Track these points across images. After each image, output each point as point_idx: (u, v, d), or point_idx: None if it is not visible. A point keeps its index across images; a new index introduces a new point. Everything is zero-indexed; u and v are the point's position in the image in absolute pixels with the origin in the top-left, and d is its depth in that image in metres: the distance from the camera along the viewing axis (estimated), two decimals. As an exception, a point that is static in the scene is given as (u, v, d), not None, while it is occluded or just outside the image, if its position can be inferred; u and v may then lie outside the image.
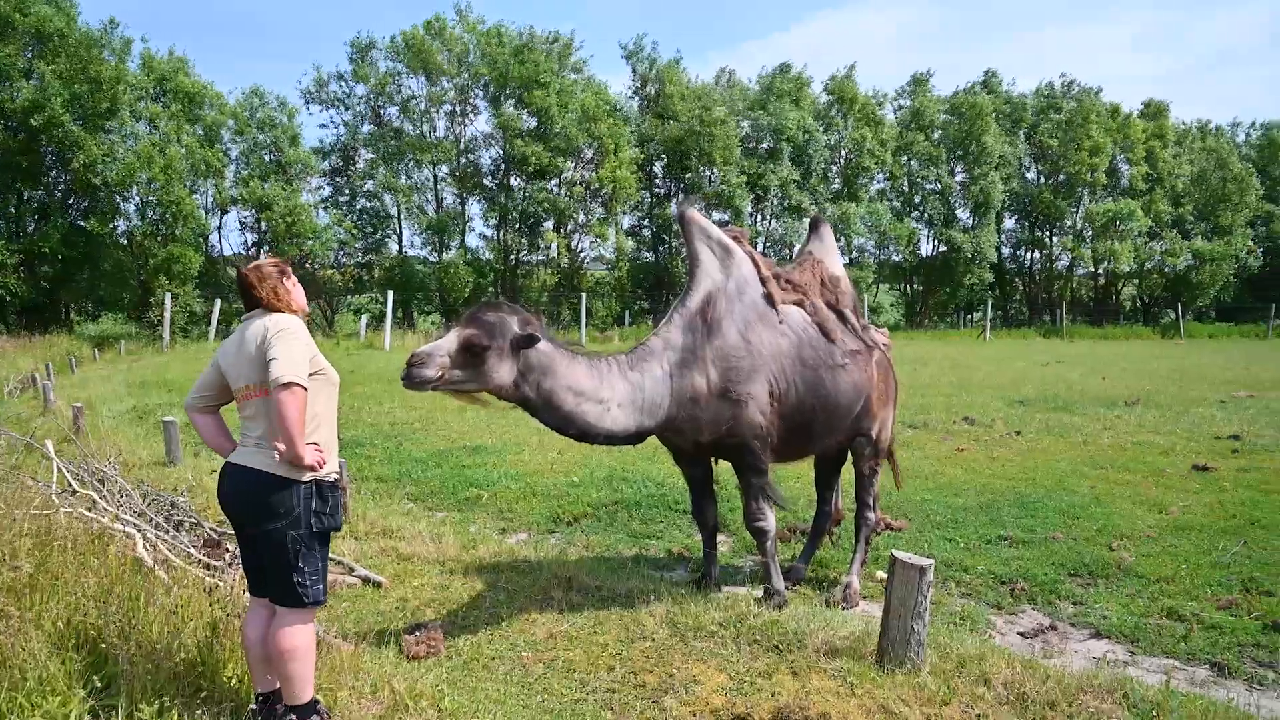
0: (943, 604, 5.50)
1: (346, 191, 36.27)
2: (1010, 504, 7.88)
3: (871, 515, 5.81)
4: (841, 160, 42.10)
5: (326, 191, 36.50)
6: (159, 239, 30.39)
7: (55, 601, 4.08)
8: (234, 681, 3.83)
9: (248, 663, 3.57)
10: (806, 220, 40.33)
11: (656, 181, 40.34)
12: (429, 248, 37.19)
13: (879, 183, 43.28)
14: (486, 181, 36.78)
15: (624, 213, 38.86)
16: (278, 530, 3.30)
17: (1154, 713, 3.70)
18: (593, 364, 4.67)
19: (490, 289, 36.63)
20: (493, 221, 36.80)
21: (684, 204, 5.28)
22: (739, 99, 38.69)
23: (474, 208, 37.79)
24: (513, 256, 36.74)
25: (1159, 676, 4.42)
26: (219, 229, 34.70)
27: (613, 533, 7.00)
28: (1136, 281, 47.73)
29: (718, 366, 4.86)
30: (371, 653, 4.35)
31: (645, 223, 40.47)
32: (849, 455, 5.93)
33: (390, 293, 29.32)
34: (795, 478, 8.30)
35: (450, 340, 4.26)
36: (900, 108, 44.18)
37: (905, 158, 42.84)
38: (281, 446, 3.27)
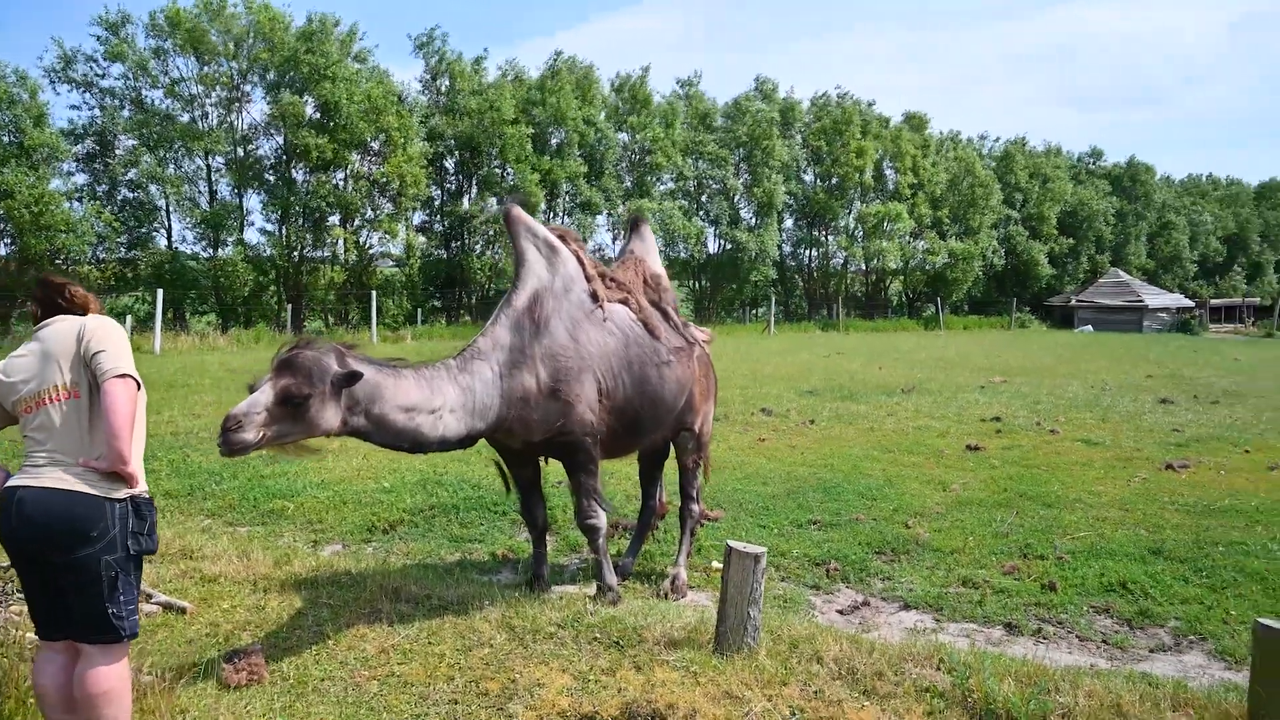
0: (766, 588, 5.73)
1: (105, 180, 32.97)
2: (814, 490, 8.33)
3: (695, 507, 5.98)
4: (631, 159, 42.87)
5: (81, 180, 33.04)
6: None
7: None
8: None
9: (45, 716, 3.16)
10: (600, 215, 40.94)
11: (448, 177, 39.47)
12: (203, 243, 34.50)
13: (667, 183, 44.43)
14: (267, 175, 34.59)
15: (414, 209, 37.73)
16: (90, 556, 2.94)
17: (968, 674, 4.02)
18: (419, 376, 4.50)
19: (272, 286, 34.55)
20: (274, 216, 34.66)
21: (508, 201, 5.20)
22: (523, 95, 38.49)
23: (253, 201, 35.50)
24: (296, 253, 34.76)
25: (964, 640, 4.81)
26: (-55, 219, 30.70)
27: (432, 539, 6.80)
28: (902, 278, 51.67)
29: (547, 366, 4.81)
30: (187, 687, 3.99)
31: (437, 219, 39.51)
32: (670, 450, 6.05)
33: (160, 291, 26.95)
34: (610, 474, 8.38)
35: (265, 394, 3.88)
36: (682, 112, 45.53)
37: (693, 158, 44.21)
38: (97, 461, 2.96)
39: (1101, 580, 5.84)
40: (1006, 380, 19.09)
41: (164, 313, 26.84)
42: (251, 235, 35.32)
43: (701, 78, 48.32)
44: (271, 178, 34.81)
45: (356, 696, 4.13)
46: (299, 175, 34.98)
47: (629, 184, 42.32)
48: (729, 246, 44.11)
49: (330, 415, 4.04)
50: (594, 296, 5.11)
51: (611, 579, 5.27)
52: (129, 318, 30.13)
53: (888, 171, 49.53)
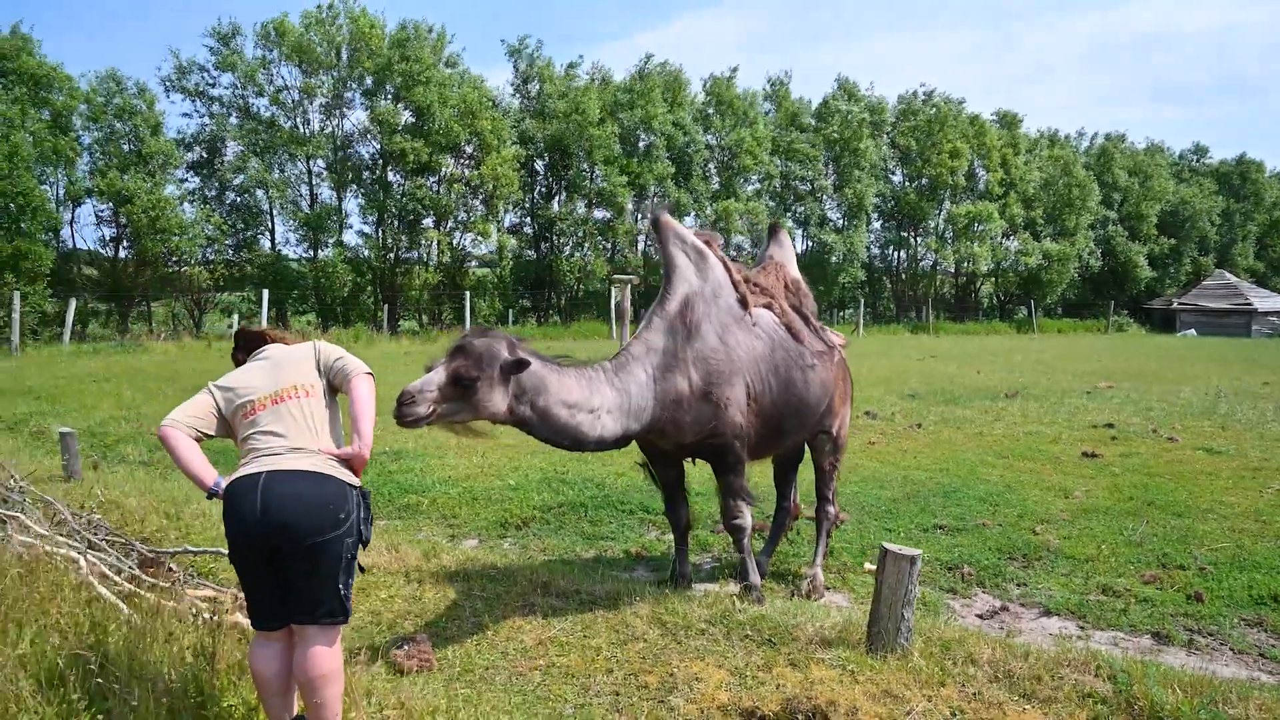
0: (901, 591, 5.78)
1: (214, 185, 34.45)
2: (933, 494, 8.30)
3: (831, 509, 6.05)
4: (720, 159, 42.88)
5: (192, 185, 34.58)
6: (4, 233, 28.16)
7: (24, 637, 3.82)
8: (235, 713, 3.66)
9: (262, 698, 3.38)
10: (689, 217, 41.00)
11: (538, 179, 40.10)
12: (304, 245, 35.76)
13: (755, 183, 44.31)
14: (364, 177, 35.67)
15: (506, 210, 38.46)
16: (336, 538, 3.16)
17: (1130, 681, 4.02)
18: (580, 375, 4.69)
19: (369, 287, 35.62)
20: (371, 218, 35.72)
21: (657, 208, 5.36)
22: (610, 98, 38.85)
23: (351, 204, 36.66)
24: (392, 254, 35.75)
25: (1113, 648, 4.79)
26: (71, 223, 32.34)
27: (565, 535, 7.01)
28: (993, 279, 50.52)
29: (699, 369, 4.95)
30: (365, 670, 4.24)
31: (527, 220, 40.18)
32: (805, 453, 6.14)
33: (265, 292, 28.05)
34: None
35: (439, 374, 4.20)
36: (768, 112, 45.31)
37: (780, 159, 43.99)
38: (348, 450, 3.29)
39: (1250, 593, 5.72)
40: (1113, 385, 18.57)
41: (267, 312, 27.84)
42: (350, 237, 36.50)
43: (791, 77, 47.86)
44: (369, 180, 35.88)
45: (522, 685, 4.34)
46: (394, 178, 35.99)
47: (717, 185, 42.32)
48: (816, 248, 43.79)
49: (497, 400, 4.27)
50: (742, 302, 5.23)
51: (756, 578, 5.39)
52: (235, 315, 31.44)
53: (978, 170, 48.51)
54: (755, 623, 4.81)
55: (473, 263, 38.82)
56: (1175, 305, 51.46)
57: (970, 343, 35.75)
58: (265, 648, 3.30)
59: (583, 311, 38.90)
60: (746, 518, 5.29)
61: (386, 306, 34.49)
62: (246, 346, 3.66)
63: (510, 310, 36.95)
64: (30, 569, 4.54)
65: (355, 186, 36.02)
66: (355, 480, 3.29)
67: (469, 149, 36.10)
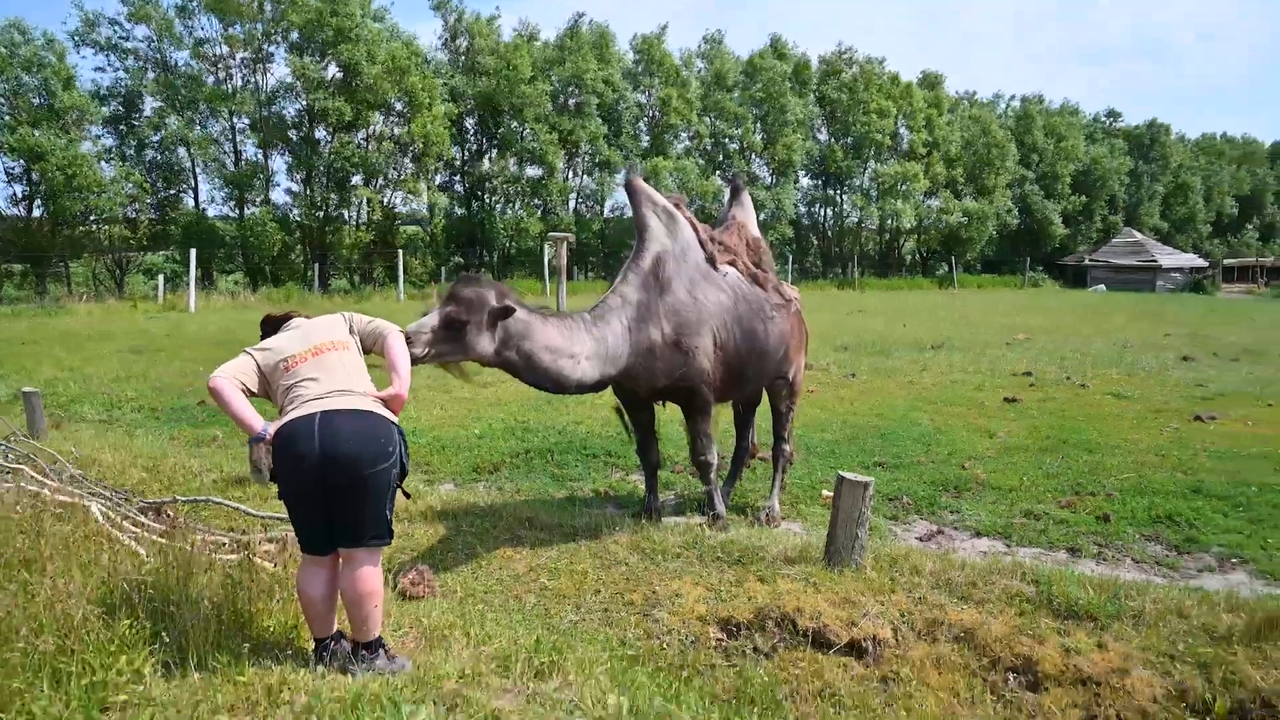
0: (848, 520, 6.40)
1: (133, 142, 33.40)
2: (871, 436, 8.99)
3: (787, 448, 6.64)
4: (649, 117, 43.10)
5: (109, 141, 33.48)
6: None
7: (73, 572, 4.14)
8: (272, 632, 4.05)
9: (308, 616, 3.77)
10: (618, 176, 41.23)
11: (469, 136, 39.80)
12: (230, 204, 35.00)
13: (685, 141, 44.67)
14: (290, 134, 34.94)
15: (436, 169, 38.15)
16: (386, 469, 3.53)
17: (1050, 583, 4.69)
18: (561, 323, 5.13)
19: (299, 246, 35.12)
20: (299, 177, 35.10)
21: (630, 172, 5.79)
22: (541, 54, 38.70)
23: (277, 162, 35.94)
24: (321, 213, 35.23)
25: (1035, 561, 5.48)
26: (-24, 181, 31.20)
27: (535, 478, 7.47)
28: (916, 237, 52.05)
29: (670, 320, 5.43)
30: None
31: (458, 178, 39.92)
32: (763, 397, 6.70)
33: (193, 251, 27.52)
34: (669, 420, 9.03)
35: (433, 318, 4.63)
36: (700, 70, 45.57)
37: (710, 117, 44.38)
38: (384, 393, 3.70)
39: (1150, 513, 6.50)
40: (1030, 338, 19.68)
41: (195, 272, 27.34)
42: (277, 196, 35.84)
43: (725, 35, 48.04)
44: (295, 138, 35.19)
45: (519, 606, 4.82)
46: (322, 136, 35.38)
47: (646, 143, 42.57)
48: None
49: (485, 343, 4.71)
50: (709, 259, 5.72)
51: (721, 508, 5.95)
52: (160, 276, 30.76)
53: (903, 130, 49.65)
54: (725, 546, 5.36)
55: (414, 221, 38.54)
56: (1087, 262, 53.73)
57: (895, 298, 36.96)
58: (315, 572, 3.68)
59: (516, 269, 39.01)
60: (713, 455, 5.83)
61: (317, 265, 34.12)
62: (274, 326, 4.01)
63: (443, 268, 36.84)
64: (57, 516, 4.83)
65: (281, 144, 35.29)
66: (396, 420, 3.69)
67: (398, 106, 35.66)
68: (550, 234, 28.38)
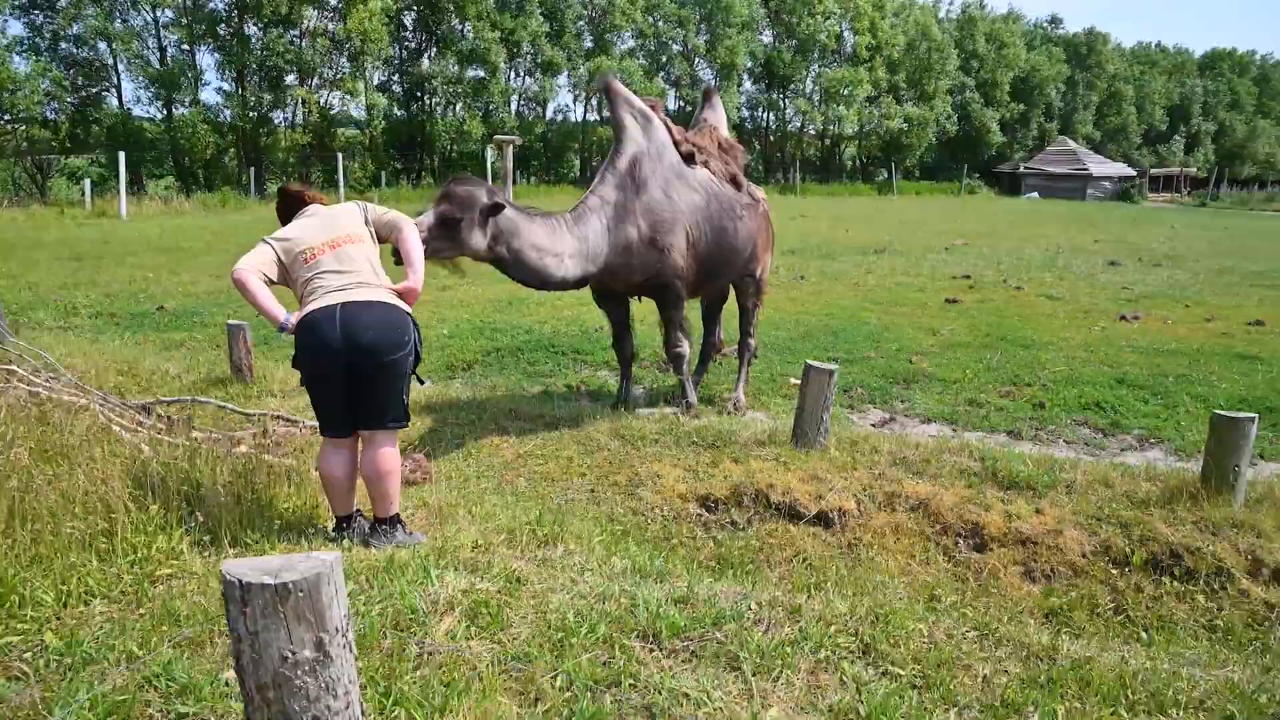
0: (807, 410, 6.86)
1: (47, 35, 31.67)
2: (823, 334, 9.45)
3: (752, 342, 7.04)
4: (592, 17, 42.19)
5: (20, 31, 31.73)
6: None
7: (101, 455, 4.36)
8: (293, 513, 4.35)
9: (328, 495, 4.08)
10: (562, 75, 40.51)
11: (407, 35, 38.59)
12: (158, 104, 33.56)
13: (628, 41, 43.94)
14: (219, 29, 33.44)
15: (374, 67, 37.05)
16: (403, 356, 3.78)
17: (994, 459, 5.21)
18: (545, 223, 5.37)
19: (232, 149, 34.07)
20: (230, 75, 33.77)
21: (606, 75, 5.96)
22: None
23: (206, 59, 34.58)
24: (255, 114, 34.07)
25: (980, 442, 6.01)
26: None
27: (508, 375, 7.77)
28: (857, 143, 52.33)
29: (646, 219, 5.70)
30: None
31: (396, 79, 38.85)
32: (729, 294, 7.05)
33: (121, 155, 26.52)
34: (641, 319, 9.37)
35: (428, 216, 4.85)
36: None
37: (653, 17, 43.60)
38: (399, 286, 3.89)
39: (1080, 401, 7.10)
40: (968, 243, 20.33)
41: (125, 176, 26.42)
42: (208, 95, 34.68)
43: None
44: (225, 34, 33.73)
45: (511, 489, 5.19)
46: (252, 31, 33.95)
47: (590, 43, 41.75)
48: (689, 108, 44.14)
49: (478, 239, 4.96)
50: (685, 159, 5.96)
51: (693, 397, 6.35)
52: (86, 181, 29.65)
53: (846, 34, 49.38)
54: (699, 432, 5.77)
55: (352, 123, 37.47)
56: (1022, 169, 54.75)
57: (836, 204, 37.41)
58: (336, 453, 3.97)
59: (458, 173, 38.36)
60: (685, 347, 6.19)
61: (252, 170, 33.16)
62: (288, 204, 4.15)
63: (382, 172, 36.15)
64: (67, 411, 5.00)
65: (210, 40, 33.80)
66: (410, 310, 3.93)
67: (333, 0, 34.33)
68: (495, 137, 28.02)
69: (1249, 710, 2.80)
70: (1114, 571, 4.55)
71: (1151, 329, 10.48)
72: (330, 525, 4.18)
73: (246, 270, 3.86)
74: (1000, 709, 2.77)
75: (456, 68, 37.94)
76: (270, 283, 3.96)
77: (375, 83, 37.79)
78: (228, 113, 33.71)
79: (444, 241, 4.90)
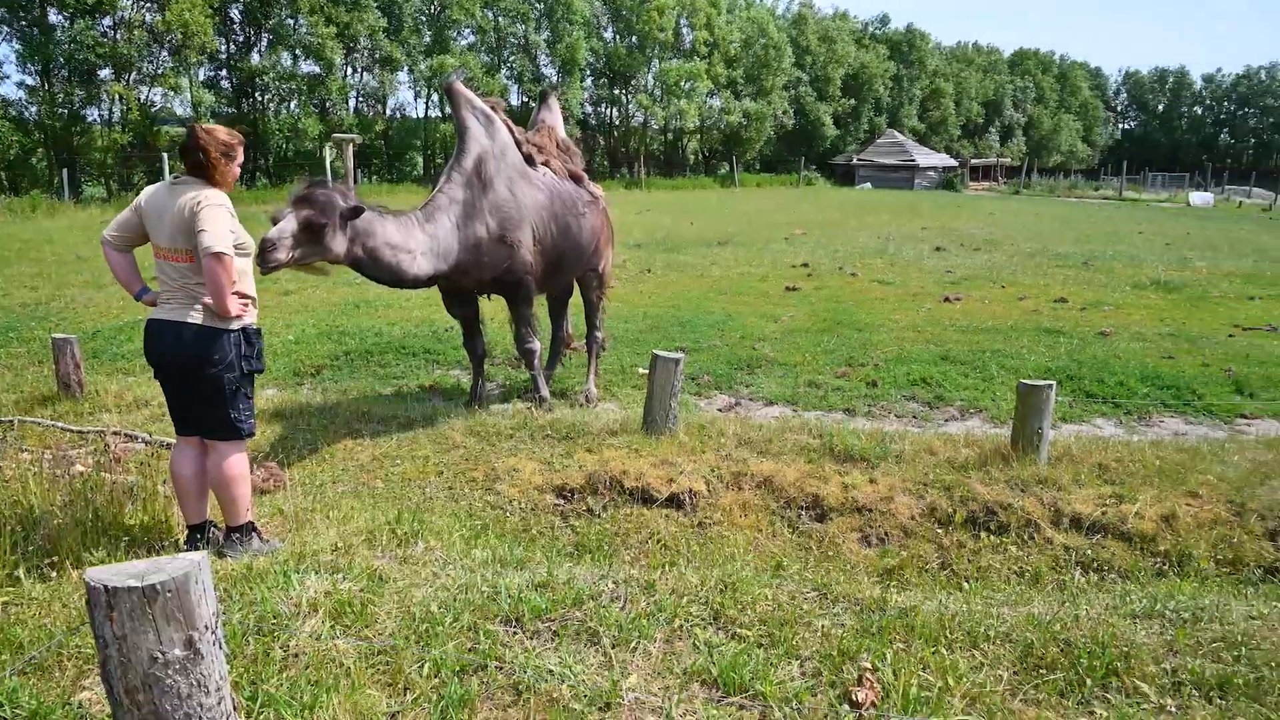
0: (658, 398, 7.11)
1: None
2: (671, 325, 9.76)
3: (599, 335, 7.22)
4: (431, 13, 41.43)
5: None
6: None
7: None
8: (141, 529, 4.22)
9: (179, 497, 4.02)
10: (402, 72, 39.61)
11: (235, 28, 36.81)
12: (-49, 100, 30.77)
13: (468, 37, 43.40)
14: (18, 18, 30.82)
15: (199, 62, 35.13)
16: (215, 374, 3.76)
17: (831, 436, 5.59)
18: (398, 221, 5.39)
19: (40, 150, 31.59)
20: (34, 68, 31.27)
21: (449, 77, 6.00)
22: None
23: (4, 50, 31.86)
24: (65, 111, 31.69)
25: (819, 421, 6.40)
26: None
27: (359, 378, 7.68)
28: (699, 136, 53.48)
29: (494, 217, 5.79)
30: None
31: (224, 74, 37.00)
32: (574, 289, 7.21)
33: (-84, 156, 24.29)
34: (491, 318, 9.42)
35: (290, 223, 4.75)
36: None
37: (492, 12, 43.20)
38: (209, 301, 3.74)
39: (908, 378, 7.65)
40: (806, 232, 21.23)
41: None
42: (8, 90, 31.95)
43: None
44: (24, 22, 31.20)
45: (369, 491, 5.19)
46: (57, 20, 31.57)
47: (429, 39, 41.01)
48: (532, 103, 44.02)
49: (339, 242, 4.94)
50: (527, 159, 6.08)
51: (545, 392, 6.48)
52: None
53: (684, 30, 50.38)
54: (553, 425, 5.92)
55: (177, 122, 35.34)
56: (855, 161, 57.33)
57: (680, 197, 38.20)
58: (182, 451, 3.95)
59: (295, 173, 36.90)
60: (536, 342, 6.32)
61: (65, 171, 30.88)
62: (182, 151, 3.83)
63: (213, 173, 34.24)
64: None
65: (6, 29, 31.20)
66: (234, 325, 3.79)
67: (150, -10, 32.34)
68: (333, 135, 27.20)
69: (1045, 636, 3.18)
70: (939, 531, 4.98)
71: (972, 309, 11.32)
72: (183, 538, 4.10)
73: (106, 241, 3.89)
74: (837, 657, 3.05)
75: (289, 63, 36.49)
76: (135, 247, 3.93)
77: (201, 78, 35.85)
78: (33, 109, 31.25)
79: (310, 247, 4.85)
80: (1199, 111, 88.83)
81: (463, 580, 3.60)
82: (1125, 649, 3.15)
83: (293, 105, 36.97)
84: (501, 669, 2.95)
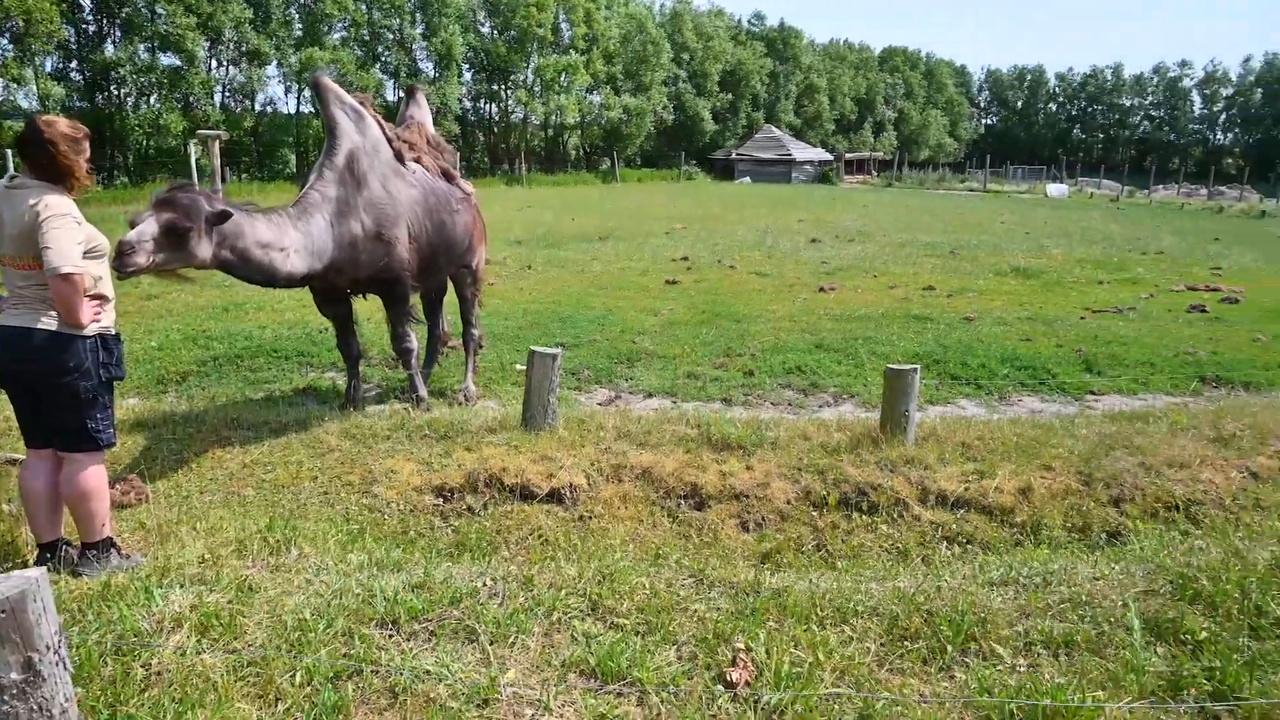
0: (539, 394, 7.09)
1: None
2: (551, 321, 9.75)
3: (476, 332, 7.17)
4: (301, 4, 40.08)
5: None
6: None
7: None
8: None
9: (29, 514, 3.79)
10: (271, 66, 38.20)
11: (86, 16, 34.75)
12: None
13: (340, 30, 42.17)
14: None
15: (46, 52, 33.05)
16: (71, 381, 3.57)
17: (709, 425, 5.70)
18: (269, 219, 5.21)
19: None
20: None
21: (316, 72, 5.83)
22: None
23: None
24: (-107, 106, 29.45)
25: (696, 410, 6.52)
26: None
27: (228, 384, 7.39)
28: (579, 132, 53.49)
29: (369, 214, 5.67)
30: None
31: (75, 65, 34.91)
32: (448, 287, 7.14)
33: None
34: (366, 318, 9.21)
35: (151, 226, 4.49)
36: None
37: (365, 5, 42.11)
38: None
39: (784, 367, 7.86)
40: (686, 227, 21.51)
41: None
42: None
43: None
44: None
45: (240, 500, 5.02)
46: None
47: (299, 31, 39.68)
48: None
49: (205, 248, 4.74)
50: (398, 155, 5.97)
51: (423, 391, 6.39)
52: None
53: (564, 25, 50.26)
54: (431, 424, 5.84)
55: (9, 115, 33.12)
56: (734, 156, 58.39)
57: (562, 193, 38.16)
58: (34, 465, 3.74)
59: (157, 171, 35.20)
60: (414, 341, 6.22)
61: (-108, 170, 28.65)
62: (21, 146, 3.54)
63: (66, 172, 32.32)
64: None
65: None
66: (90, 331, 3.60)
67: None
68: (198, 131, 26.05)
69: (909, 608, 3.34)
70: (814, 513, 5.14)
71: (845, 298, 11.70)
72: (33, 558, 3.89)
73: None
74: (712, 640, 3.13)
75: (148, 55, 34.71)
76: None
77: (48, 69, 33.75)
78: None
79: (171, 253, 4.60)
80: (1054, 108, 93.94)
81: (337, 585, 3.52)
82: (983, 615, 3.33)
83: (153, 100, 35.22)
84: (377, 672, 2.91)
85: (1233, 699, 2.85)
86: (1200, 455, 5.67)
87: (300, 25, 39.94)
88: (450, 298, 7.36)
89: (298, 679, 2.87)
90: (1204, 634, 3.18)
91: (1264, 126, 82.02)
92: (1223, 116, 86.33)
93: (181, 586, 3.52)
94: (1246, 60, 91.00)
